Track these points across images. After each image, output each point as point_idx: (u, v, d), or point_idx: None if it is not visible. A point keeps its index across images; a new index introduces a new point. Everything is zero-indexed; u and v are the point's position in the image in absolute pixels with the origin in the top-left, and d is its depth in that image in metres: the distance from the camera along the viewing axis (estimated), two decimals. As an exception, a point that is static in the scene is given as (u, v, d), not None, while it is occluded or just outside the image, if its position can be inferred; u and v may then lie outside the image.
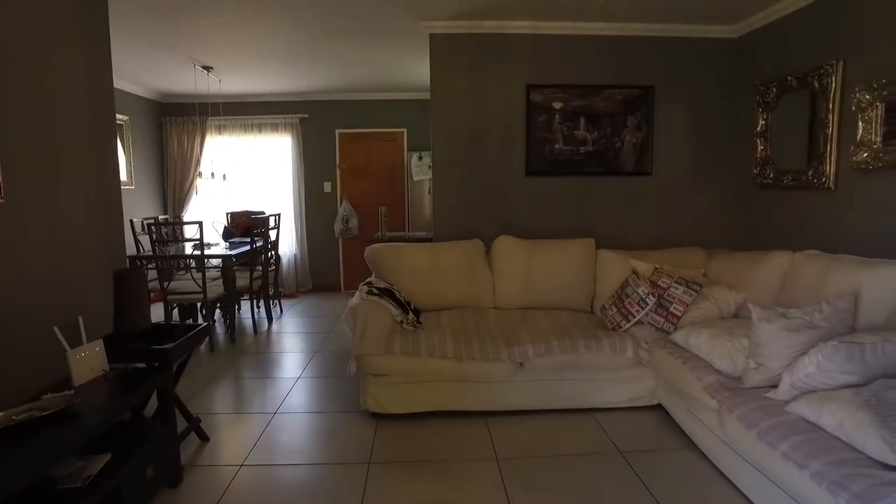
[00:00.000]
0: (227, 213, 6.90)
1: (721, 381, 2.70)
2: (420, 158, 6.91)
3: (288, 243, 7.61)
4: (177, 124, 7.36)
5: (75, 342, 2.50)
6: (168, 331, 3.10)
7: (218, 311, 5.84)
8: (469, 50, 4.36)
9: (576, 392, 3.41)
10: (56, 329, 2.45)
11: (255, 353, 4.94)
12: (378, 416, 3.45)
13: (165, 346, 2.74)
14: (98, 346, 2.59)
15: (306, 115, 7.45)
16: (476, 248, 4.14)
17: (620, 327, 3.56)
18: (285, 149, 7.51)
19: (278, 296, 6.68)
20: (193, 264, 5.04)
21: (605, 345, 3.33)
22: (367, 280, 3.95)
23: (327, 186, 7.62)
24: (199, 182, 6.11)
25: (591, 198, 4.47)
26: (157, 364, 2.73)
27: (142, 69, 5.73)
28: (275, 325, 5.95)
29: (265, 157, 7.54)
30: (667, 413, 3.34)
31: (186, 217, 7.50)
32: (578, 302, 4.04)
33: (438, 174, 4.49)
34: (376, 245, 4.16)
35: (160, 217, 6.17)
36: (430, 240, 4.90)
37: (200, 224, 4.83)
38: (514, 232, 4.46)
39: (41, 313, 2.65)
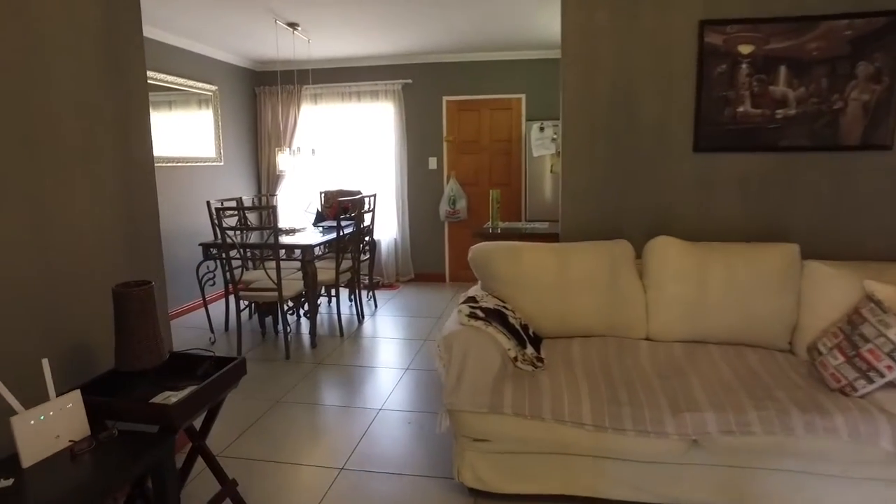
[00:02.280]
0: (321, 193, 6.17)
1: None
2: (541, 130, 5.74)
3: (387, 227, 6.78)
4: (271, 94, 6.70)
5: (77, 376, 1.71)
6: (190, 366, 2.28)
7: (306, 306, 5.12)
8: (617, -24, 3.15)
9: (783, 490, 2.20)
10: (45, 362, 1.69)
11: (335, 366, 4.11)
12: (477, 494, 2.45)
13: (167, 402, 1.89)
14: (72, 402, 1.78)
15: (409, 81, 6.51)
16: (621, 252, 2.96)
17: (855, 389, 2.27)
18: (386, 119, 6.63)
19: (373, 287, 5.86)
20: (264, 255, 4.29)
21: (838, 423, 2.08)
22: (470, 294, 2.92)
23: (432, 162, 6.67)
24: (279, 158, 5.37)
25: (789, 183, 3.13)
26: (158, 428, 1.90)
27: (224, 31, 5.03)
28: (366, 325, 5.12)
29: (364, 128, 6.71)
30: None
31: (281, 197, 6.88)
32: (771, 336, 2.77)
33: (569, 148, 3.34)
34: (485, 245, 3.10)
35: (243, 198, 5.52)
36: (554, 236, 3.78)
37: (272, 209, 4.04)
38: (676, 231, 3.23)
39: (15, 339, 1.90)
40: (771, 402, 2.19)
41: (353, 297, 5.39)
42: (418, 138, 6.65)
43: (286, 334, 4.29)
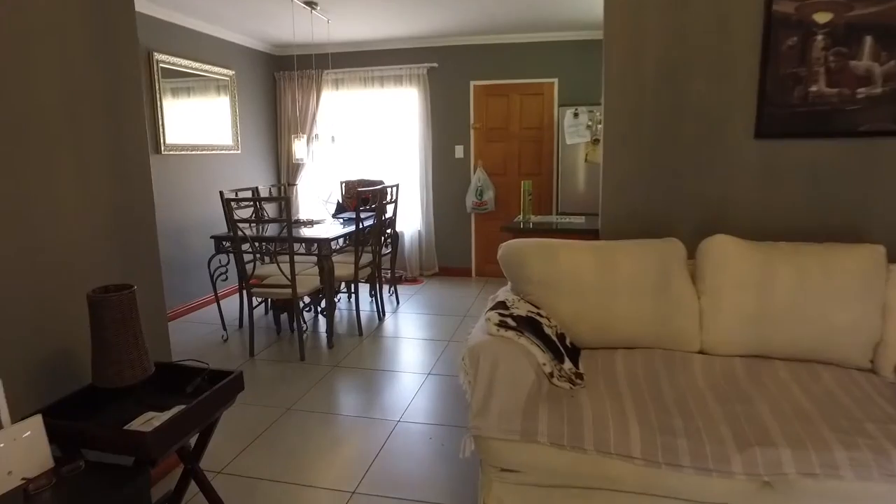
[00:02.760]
0: (342, 183, 5.89)
1: None
2: (575, 116, 5.36)
3: (411, 218, 6.48)
4: (291, 79, 6.43)
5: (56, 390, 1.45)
6: (182, 379, 2.01)
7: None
8: (669, -63, 2.77)
9: (875, 542, 1.84)
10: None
11: (352, 369, 3.83)
12: (506, 531, 2.14)
13: (148, 426, 1.62)
14: (31, 430, 1.51)
15: (435, 64, 6.17)
16: (672, 253, 2.60)
17: (962, 421, 1.90)
18: (411, 105, 6.31)
19: (395, 282, 5.57)
20: (277, 249, 4.03)
21: (948, 467, 1.72)
22: (499, 299, 2.60)
23: (459, 151, 6.33)
24: (296, 146, 5.09)
25: (868, 175, 2.72)
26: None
27: (241, 12, 4.75)
28: (387, 323, 4.84)
29: (387, 115, 6.40)
30: None
31: (301, 187, 6.62)
32: (849, 352, 2.39)
33: (611, 135, 2.98)
34: (516, 242, 2.76)
35: (259, 188, 5.26)
36: (592, 233, 3.43)
37: (285, 200, 3.76)
38: (732, 228, 2.86)
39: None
40: (861, 437, 1.83)
41: (373, 292, 5.12)
42: (444, 125, 6.31)
43: (301, 333, 4.02)
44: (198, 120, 5.28)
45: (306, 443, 2.85)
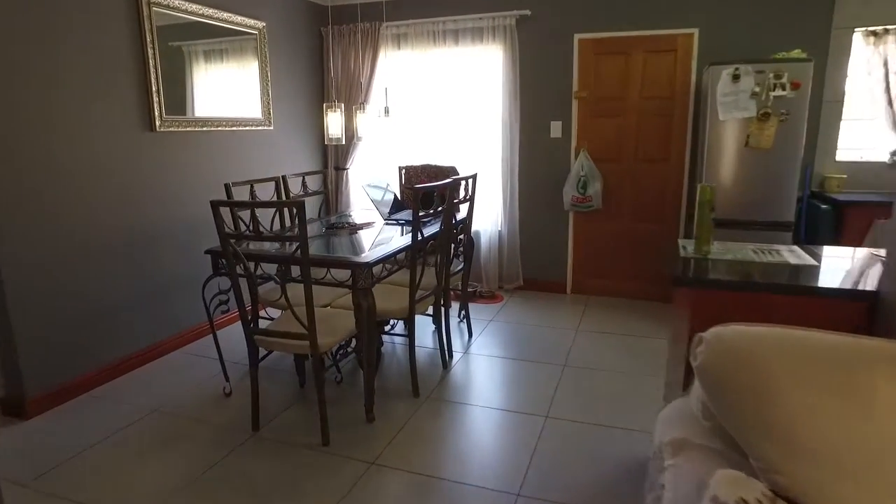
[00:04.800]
0: (401, 169, 4.49)
1: None
2: (735, 79, 3.66)
3: (489, 215, 5.02)
4: (341, 35, 5.05)
5: None
6: None
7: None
8: None
9: None
10: None
11: (398, 473, 2.45)
12: None
13: None
14: None
15: (528, 12, 4.61)
16: None
17: None
18: (493, 68, 4.80)
19: (467, 300, 4.15)
20: (283, 273, 2.68)
21: None
22: (718, 480, 1.10)
23: (555, 129, 4.78)
24: (330, 117, 3.67)
25: None
26: None
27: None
28: (455, 373, 3.43)
29: (462, 81, 4.92)
30: None
31: (352, 173, 5.28)
32: None
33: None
34: (747, 337, 1.22)
35: (287, 177, 3.93)
36: (853, 297, 1.84)
37: (298, 206, 2.38)
38: None
39: None
40: None
41: (437, 322, 3.70)
42: (537, 94, 4.76)
43: (323, 406, 2.67)
44: (213, 86, 4.00)
45: None
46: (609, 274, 4.86)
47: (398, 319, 3.14)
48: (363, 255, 2.77)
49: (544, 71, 4.70)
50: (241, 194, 3.42)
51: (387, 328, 3.84)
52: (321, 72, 5.20)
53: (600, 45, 4.54)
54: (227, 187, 3.20)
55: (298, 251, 2.42)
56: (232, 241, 2.49)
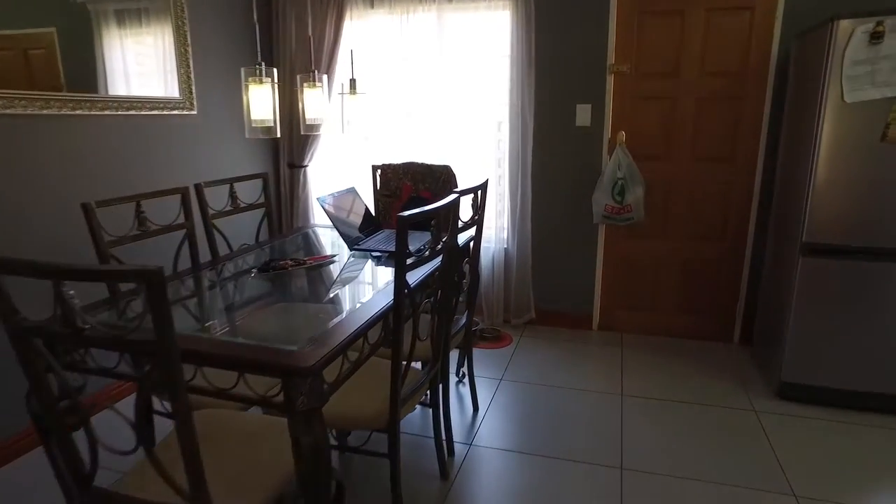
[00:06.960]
0: (375, 168, 3.26)
1: None
2: (874, 38, 2.46)
3: (494, 229, 3.83)
4: (295, -10, 3.79)
5: None
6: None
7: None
8: None
9: None
10: None
11: None
12: None
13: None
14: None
15: (549, -46, 3.40)
16: None
17: None
18: (498, 35, 3.59)
19: (471, 349, 2.94)
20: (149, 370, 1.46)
21: None
22: None
23: (583, 114, 3.59)
24: (254, 92, 2.40)
25: None
26: None
27: None
28: (457, 490, 2.24)
29: (458, 54, 3.70)
30: None
31: (311, 173, 4.04)
32: None
33: None
34: None
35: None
36: None
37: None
38: None
39: None
40: None
41: (433, 404, 2.49)
42: (558, 68, 3.56)
43: None
44: (102, 55, 2.73)
45: None
46: (650, 305, 3.72)
47: (371, 431, 1.92)
48: (305, 341, 1.55)
49: (568, 36, 3.50)
50: (125, 214, 2.17)
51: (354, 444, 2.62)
52: (269, 40, 3.93)
53: (647, 1, 3.35)
54: (85, 210, 1.93)
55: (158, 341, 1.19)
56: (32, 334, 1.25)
